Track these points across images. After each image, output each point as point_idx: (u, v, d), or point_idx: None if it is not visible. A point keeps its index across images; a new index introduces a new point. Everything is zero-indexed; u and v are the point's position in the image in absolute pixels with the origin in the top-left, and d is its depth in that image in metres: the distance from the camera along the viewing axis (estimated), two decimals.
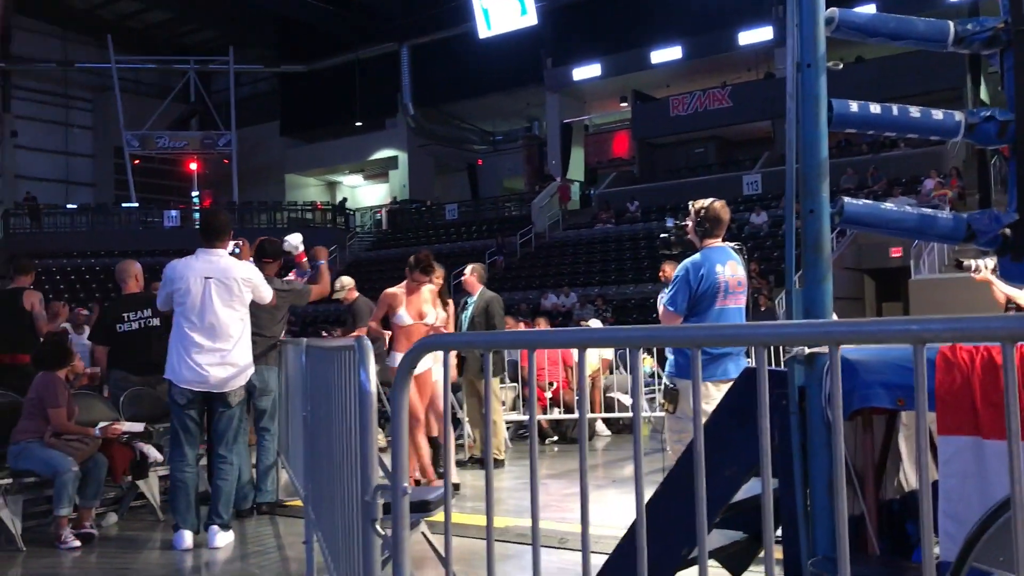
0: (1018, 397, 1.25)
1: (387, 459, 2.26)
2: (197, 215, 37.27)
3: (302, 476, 4.94)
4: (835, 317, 3.73)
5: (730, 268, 4.72)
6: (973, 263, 6.38)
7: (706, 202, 4.84)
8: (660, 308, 4.74)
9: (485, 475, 2.03)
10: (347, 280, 8.92)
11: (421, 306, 6.70)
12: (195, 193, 39.11)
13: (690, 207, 4.88)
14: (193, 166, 39.28)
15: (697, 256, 4.72)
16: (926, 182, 21.60)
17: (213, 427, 5.36)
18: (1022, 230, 2.91)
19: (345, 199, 41.65)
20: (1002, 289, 6.81)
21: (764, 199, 26.32)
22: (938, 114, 3.00)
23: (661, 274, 5.90)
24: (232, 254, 6.06)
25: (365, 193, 44.29)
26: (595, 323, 11.12)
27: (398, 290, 6.80)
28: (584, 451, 1.79)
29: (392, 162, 39.97)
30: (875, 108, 2.95)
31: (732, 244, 4.89)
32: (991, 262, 6.42)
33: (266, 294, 5.44)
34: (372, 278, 24.65)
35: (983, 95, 3.51)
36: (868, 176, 24.09)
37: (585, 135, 37.15)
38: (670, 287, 4.72)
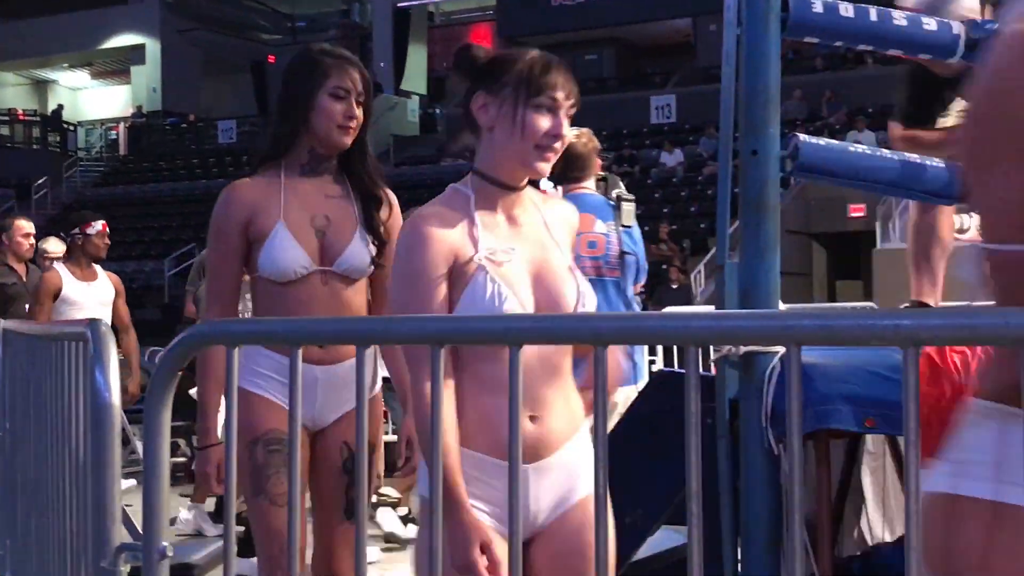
0: None
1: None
2: None
3: None
4: (780, 304, 3.89)
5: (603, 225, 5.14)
6: (958, 219, 6.72)
7: None
8: None
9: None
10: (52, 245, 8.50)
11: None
12: None
13: None
14: None
15: None
16: None
17: None
18: None
19: (62, 107, 40.25)
20: None
21: (679, 131, 27.04)
22: (931, 24, 3.14)
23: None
24: None
25: (93, 99, 42.94)
26: None
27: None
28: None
29: (137, 54, 38.85)
30: (846, 10, 3.06)
31: (620, 192, 5.24)
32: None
33: None
34: None
35: None
36: (823, 103, 25.10)
37: (429, 28, 37.05)
38: None
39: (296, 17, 39.08)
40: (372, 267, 3.30)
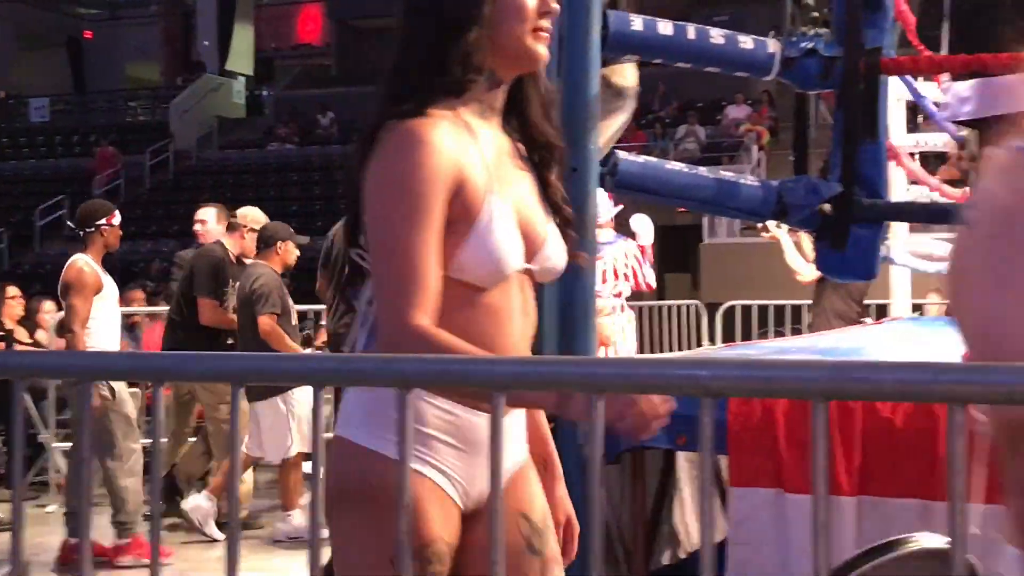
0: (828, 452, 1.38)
1: None
2: None
3: None
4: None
5: None
6: None
7: None
8: None
9: None
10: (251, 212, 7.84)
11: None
12: None
13: None
14: None
15: None
16: (730, 110, 23.30)
17: None
18: (846, 208, 3.20)
19: None
20: (788, 256, 7.69)
21: None
22: (747, 42, 3.23)
23: None
24: None
25: None
26: None
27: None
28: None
29: None
30: (665, 28, 3.12)
31: None
32: None
33: None
34: None
35: None
36: (655, 98, 25.56)
37: (256, 7, 36.51)
38: None
39: None
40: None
